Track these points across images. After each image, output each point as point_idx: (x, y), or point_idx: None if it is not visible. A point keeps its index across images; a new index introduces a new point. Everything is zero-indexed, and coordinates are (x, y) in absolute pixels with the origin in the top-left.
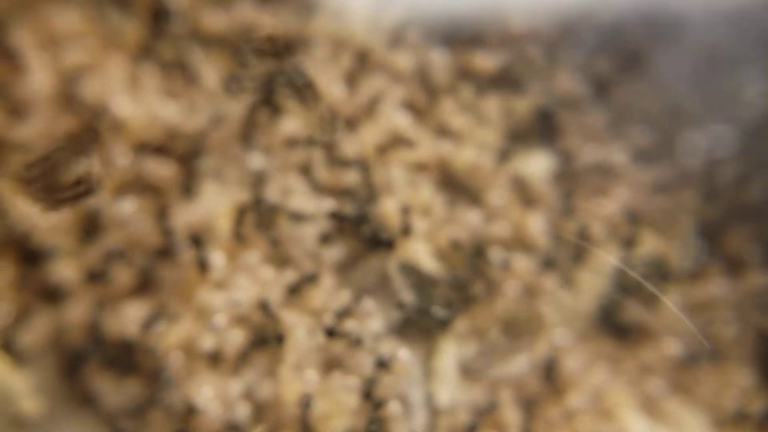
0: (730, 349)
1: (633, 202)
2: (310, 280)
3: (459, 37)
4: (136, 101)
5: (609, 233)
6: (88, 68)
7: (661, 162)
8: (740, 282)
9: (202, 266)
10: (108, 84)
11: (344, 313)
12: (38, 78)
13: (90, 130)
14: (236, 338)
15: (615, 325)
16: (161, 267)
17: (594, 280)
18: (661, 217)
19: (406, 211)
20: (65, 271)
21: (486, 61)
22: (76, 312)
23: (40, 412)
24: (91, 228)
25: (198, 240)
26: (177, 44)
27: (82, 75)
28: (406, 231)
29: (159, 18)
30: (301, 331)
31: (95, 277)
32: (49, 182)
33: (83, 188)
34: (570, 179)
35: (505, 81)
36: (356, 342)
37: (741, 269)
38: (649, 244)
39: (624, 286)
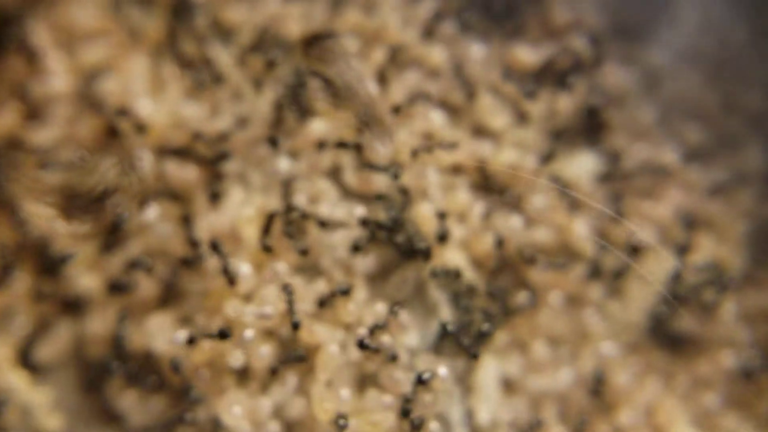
0: None
1: (686, 204)
2: (342, 292)
3: (498, 29)
4: (159, 102)
5: (661, 238)
6: (109, 67)
7: (715, 162)
8: None
9: (229, 277)
10: (129, 84)
11: (378, 327)
12: (57, 78)
13: (112, 132)
14: (265, 354)
15: (667, 337)
16: (186, 278)
17: (643, 289)
18: (717, 221)
19: (442, 216)
20: (86, 281)
21: (527, 55)
22: (98, 324)
23: (62, 429)
24: (113, 236)
25: (224, 249)
26: (200, 41)
27: (102, 75)
28: (443, 238)
29: (181, 13)
30: (333, 347)
31: (118, 287)
32: (70, 189)
33: (105, 195)
34: (618, 181)
35: (547, 76)
36: (392, 358)
37: None
38: (705, 250)
39: (677, 295)
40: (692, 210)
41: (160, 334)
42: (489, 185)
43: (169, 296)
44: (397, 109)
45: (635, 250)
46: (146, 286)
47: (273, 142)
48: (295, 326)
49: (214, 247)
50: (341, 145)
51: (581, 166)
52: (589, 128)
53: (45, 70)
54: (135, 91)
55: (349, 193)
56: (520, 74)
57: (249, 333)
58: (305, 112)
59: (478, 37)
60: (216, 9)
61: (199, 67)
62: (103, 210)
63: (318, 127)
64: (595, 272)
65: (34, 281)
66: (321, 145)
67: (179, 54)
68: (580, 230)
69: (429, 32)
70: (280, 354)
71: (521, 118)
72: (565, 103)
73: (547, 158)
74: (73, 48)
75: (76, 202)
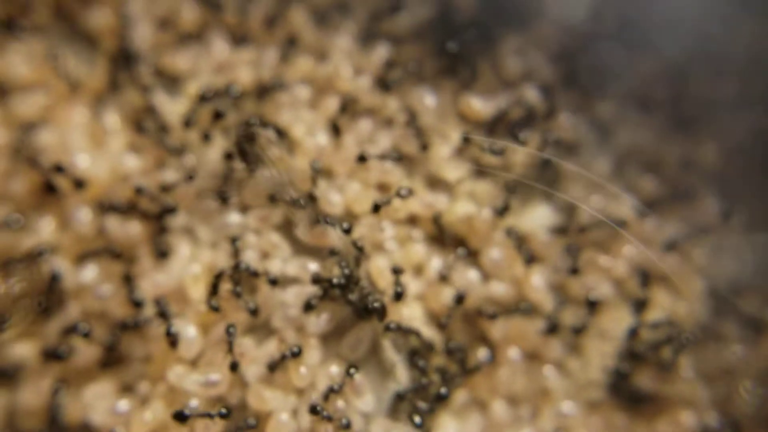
0: (749, 421)
1: (642, 259)
2: (293, 354)
3: (451, 79)
4: (99, 155)
5: (618, 294)
6: (46, 120)
7: (671, 215)
8: (760, 347)
9: (173, 341)
10: (67, 137)
11: (332, 391)
12: None
13: (48, 188)
14: (212, 427)
15: (627, 395)
16: (128, 342)
17: (602, 345)
18: (673, 276)
19: (397, 272)
20: (20, 348)
21: (480, 106)
22: (32, 395)
23: None
24: (49, 297)
25: (168, 311)
26: (143, 90)
27: (38, 127)
28: (399, 295)
29: (123, 61)
30: (284, 414)
31: (54, 355)
32: (3, 248)
33: (40, 254)
34: (574, 234)
35: (501, 127)
36: (345, 425)
37: (761, 333)
38: (662, 306)
39: (634, 353)
40: (648, 265)
41: (99, 404)
42: (444, 238)
43: (109, 362)
44: (349, 160)
45: (592, 305)
46: (84, 353)
47: (221, 195)
48: (233, 367)
49: (158, 308)
50: (292, 198)
51: (537, 218)
52: (543, 180)
53: None
54: (73, 144)
55: (301, 248)
56: (473, 125)
57: (194, 402)
58: (256, 163)
59: (431, 87)
60: (161, 56)
61: (143, 118)
62: (38, 270)
63: (268, 179)
64: (554, 328)
65: None
66: (271, 198)
67: (122, 104)
68: (538, 283)
69: (381, 81)
70: (229, 424)
71: (475, 169)
72: (519, 155)
73: (502, 211)
74: (7, 99)
75: (10, 262)
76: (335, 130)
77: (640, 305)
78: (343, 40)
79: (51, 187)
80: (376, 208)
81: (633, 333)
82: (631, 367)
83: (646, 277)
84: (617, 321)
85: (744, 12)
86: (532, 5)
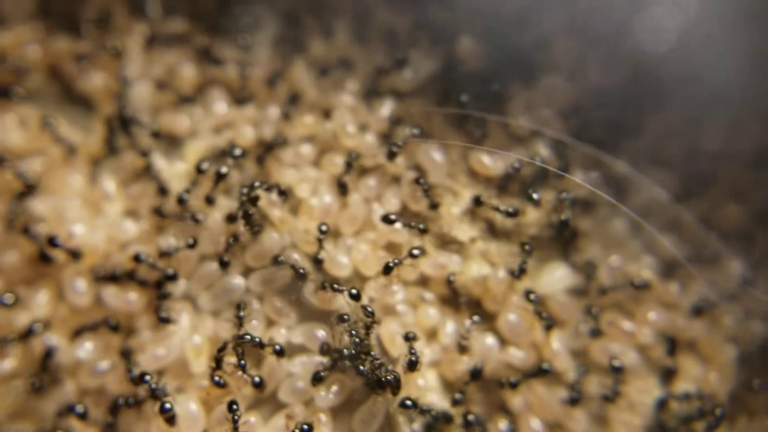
0: None
1: (668, 324)
2: (303, 431)
3: (460, 136)
4: (95, 223)
5: (644, 362)
6: (40, 189)
7: (696, 279)
8: None
9: (172, 420)
10: (62, 207)
11: None
12: None
13: (42, 258)
14: None
15: None
16: (127, 421)
17: (630, 417)
18: (701, 343)
19: (410, 338)
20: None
21: (490, 164)
22: None
23: None
24: (43, 377)
25: (167, 387)
26: (140, 154)
27: (32, 197)
28: (413, 363)
29: (120, 125)
30: None
31: None
32: None
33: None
34: (594, 296)
35: (513, 185)
36: None
37: None
38: (691, 376)
39: (664, 425)
40: (675, 331)
41: None
42: (458, 300)
43: None
44: (356, 219)
45: (617, 373)
46: None
47: (223, 261)
48: None
49: (158, 383)
50: (296, 269)
51: (555, 280)
52: (559, 240)
53: None
54: (69, 213)
55: (307, 314)
56: (484, 182)
57: None
58: (259, 225)
59: (439, 144)
60: (159, 118)
61: (140, 183)
62: (32, 347)
63: (272, 241)
64: (577, 397)
65: None
66: (276, 261)
67: (118, 169)
68: (558, 349)
69: (387, 138)
70: None
71: (489, 229)
72: (534, 214)
73: (518, 272)
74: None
75: (1, 340)
76: (341, 188)
77: (668, 374)
78: (347, 97)
79: (45, 257)
80: (388, 270)
81: (662, 405)
82: None
83: (673, 344)
84: (645, 391)
85: (761, 63)
86: (541, 58)
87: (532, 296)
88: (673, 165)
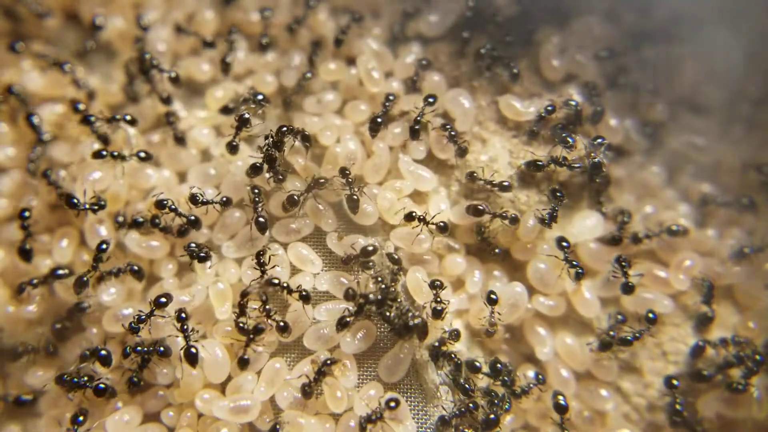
0: None
1: (704, 271)
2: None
3: (490, 82)
4: (116, 171)
5: (678, 310)
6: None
7: (734, 225)
8: None
9: (192, 360)
10: (83, 152)
11: (370, 420)
12: None
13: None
14: None
15: (691, 421)
16: (151, 367)
17: (663, 367)
18: (739, 290)
19: (437, 286)
20: (36, 376)
21: (522, 109)
22: (51, 426)
23: None
24: (66, 323)
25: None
26: (160, 100)
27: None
28: (438, 311)
29: (140, 72)
30: None
31: (73, 382)
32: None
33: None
34: (627, 245)
35: (544, 131)
36: None
37: None
38: (728, 323)
39: (699, 372)
40: (711, 278)
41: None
42: (486, 250)
43: (132, 389)
44: (381, 168)
45: (649, 322)
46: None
47: (259, 222)
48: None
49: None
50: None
51: (586, 228)
52: (592, 187)
53: None
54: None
55: (332, 262)
56: (515, 129)
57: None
58: (283, 172)
59: (469, 90)
60: (180, 64)
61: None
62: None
63: (296, 187)
64: (607, 346)
65: None
66: (300, 209)
67: (140, 116)
68: (589, 298)
69: (414, 85)
70: None
71: (518, 176)
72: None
73: (549, 220)
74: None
75: (25, 285)
76: (373, 131)
77: (704, 322)
78: (372, 42)
79: (69, 203)
80: (413, 218)
81: (697, 352)
82: (697, 390)
83: (710, 290)
84: (679, 339)
85: None
86: (576, 1)
87: (564, 243)
88: (712, 110)
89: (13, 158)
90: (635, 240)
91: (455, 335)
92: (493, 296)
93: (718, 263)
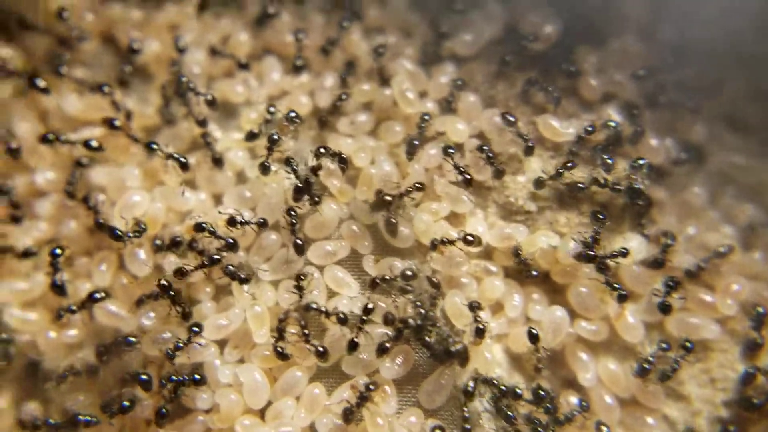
0: None
1: (751, 296)
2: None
3: (528, 103)
4: (155, 193)
5: (726, 335)
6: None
7: None
8: None
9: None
10: (122, 175)
11: None
12: None
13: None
14: None
15: None
16: (191, 392)
17: (710, 394)
18: None
19: (475, 307)
20: (78, 399)
21: (560, 130)
22: None
23: None
24: (107, 347)
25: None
26: (196, 123)
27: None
28: (480, 330)
29: (176, 94)
30: None
31: (113, 407)
32: None
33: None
34: (669, 268)
35: (583, 153)
36: None
37: None
38: None
39: (749, 400)
40: (759, 302)
41: None
42: (524, 274)
43: (171, 414)
44: (419, 188)
45: (687, 350)
46: (144, 404)
47: (297, 245)
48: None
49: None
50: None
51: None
52: (633, 209)
53: None
54: (128, 184)
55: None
56: (553, 150)
57: None
58: (319, 195)
59: (505, 110)
60: (215, 86)
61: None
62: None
63: (333, 212)
64: (644, 371)
65: None
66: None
67: (175, 139)
68: (632, 323)
69: (449, 105)
70: None
71: (557, 198)
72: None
73: (591, 243)
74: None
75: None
76: (410, 154)
77: (752, 348)
78: (406, 62)
79: (113, 236)
80: (450, 242)
81: (747, 380)
82: (746, 419)
83: (761, 316)
84: (727, 366)
85: None
86: (613, 19)
87: (603, 268)
88: (753, 128)
89: (52, 182)
90: (690, 275)
91: None
92: (533, 331)
93: (766, 287)
